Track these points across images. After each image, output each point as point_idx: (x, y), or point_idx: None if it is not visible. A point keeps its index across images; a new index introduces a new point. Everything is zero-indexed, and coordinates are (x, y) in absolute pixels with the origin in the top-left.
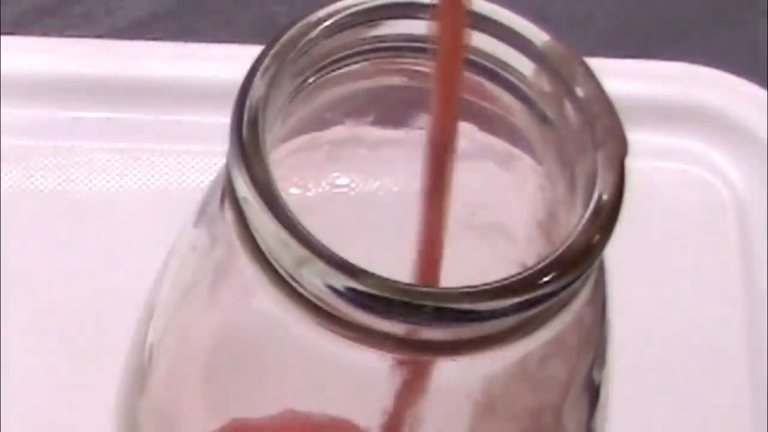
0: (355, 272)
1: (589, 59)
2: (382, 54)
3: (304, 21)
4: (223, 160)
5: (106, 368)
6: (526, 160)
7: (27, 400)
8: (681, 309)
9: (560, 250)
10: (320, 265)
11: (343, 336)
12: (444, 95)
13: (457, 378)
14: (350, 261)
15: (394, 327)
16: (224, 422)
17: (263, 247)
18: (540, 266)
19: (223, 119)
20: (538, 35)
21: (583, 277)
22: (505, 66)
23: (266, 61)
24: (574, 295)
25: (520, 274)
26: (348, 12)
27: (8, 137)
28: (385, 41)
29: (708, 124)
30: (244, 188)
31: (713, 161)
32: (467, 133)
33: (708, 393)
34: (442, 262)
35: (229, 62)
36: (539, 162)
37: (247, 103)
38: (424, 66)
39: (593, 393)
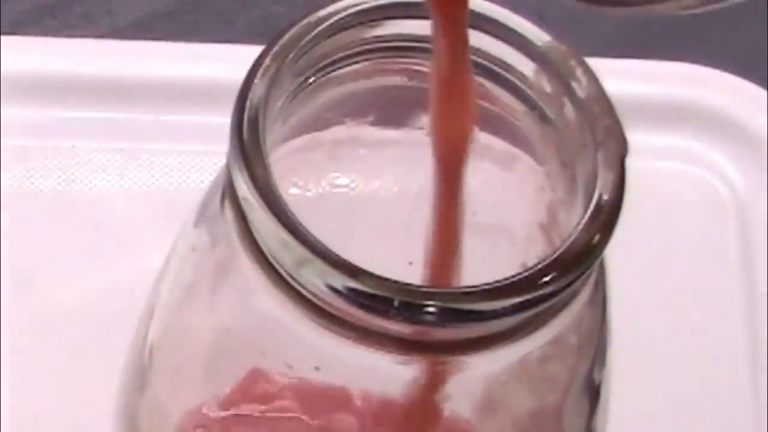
0: (355, 272)
1: (589, 59)
2: (382, 54)
3: (305, 21)
4: (223, 160)
5: (106, 368)
6: (526, 160)
7: (27, 399)
8: (681, 309)
9: (560, 250)
10: (320, 265)
11: (343, 336)
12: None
13: (457, 378)
14: (350, 261)
15: (394, 327)
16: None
17: (263, 247)
18: (540, 266)
19: (223, 119)
20: (539, 35)
21: (583, 278)
22: (506, 66)
23: (266, 61)
24: (575, 295)
25: (520, 274)
26: (348, 12)
27: (8, 137)
28: (385, 41)
29: (708, 124)
30: (244, 188)
31: (713, 161)
32: None
33: (708, 393)
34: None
35: (229, 62)
36: (539, 162)
37: (248, 103)
38: (424, 66)
39: (593, 393)
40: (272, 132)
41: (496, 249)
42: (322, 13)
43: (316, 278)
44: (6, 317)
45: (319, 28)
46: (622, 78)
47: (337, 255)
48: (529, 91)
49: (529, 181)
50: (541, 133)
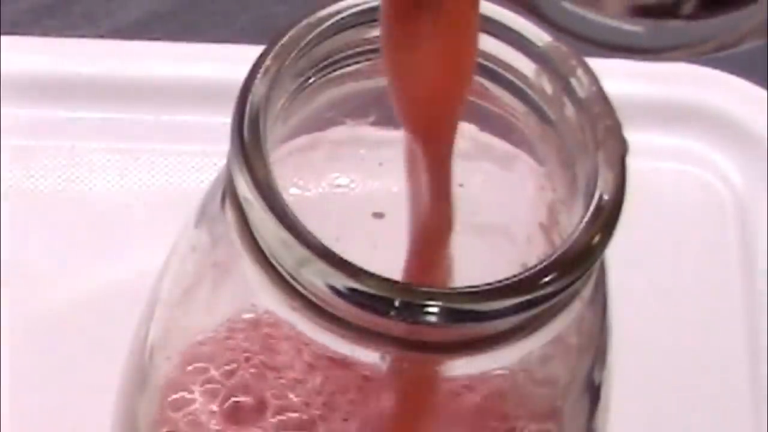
0: (355, 272)
1: (589, 59)
2: None
3: (305, 21)
4: (223, 160)
5: (106, 368)
6: (526, 160)
7: (27, 399)
8: (681, 309)
9: (561, 251)
10: (320, 265)
11: (344, 336)
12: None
13: (457, 377)
14: (350, 261)
15: (395, 327)
16: None
17: (264, 247)
18: (541, 266)
19: (223, 119)
20: (539, 35)
21: (583, 278)
22: (506, 66)
23: (267, 62)
24: (575, 295)
25: (521, 274)
26: (348, 12)
27: (8, 137)
28: None
29: (708, 124)
30: (245, 188)
31: (713, 161)
32: (467, 133)
33: (708, 393)
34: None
35: (229, 62)
36: (540, 162)
37: (248, 104)
38: None
39: (594, 393)
40: (273, 132)
41: (496, 249)
42: (322, 13)
43: (316, 278)
44: (6, 317)
45: (320, 29)
46: (622, 78)
47: (337, 255)
48: (529, 91)
49: (529, 181)
50: (542, 134)
